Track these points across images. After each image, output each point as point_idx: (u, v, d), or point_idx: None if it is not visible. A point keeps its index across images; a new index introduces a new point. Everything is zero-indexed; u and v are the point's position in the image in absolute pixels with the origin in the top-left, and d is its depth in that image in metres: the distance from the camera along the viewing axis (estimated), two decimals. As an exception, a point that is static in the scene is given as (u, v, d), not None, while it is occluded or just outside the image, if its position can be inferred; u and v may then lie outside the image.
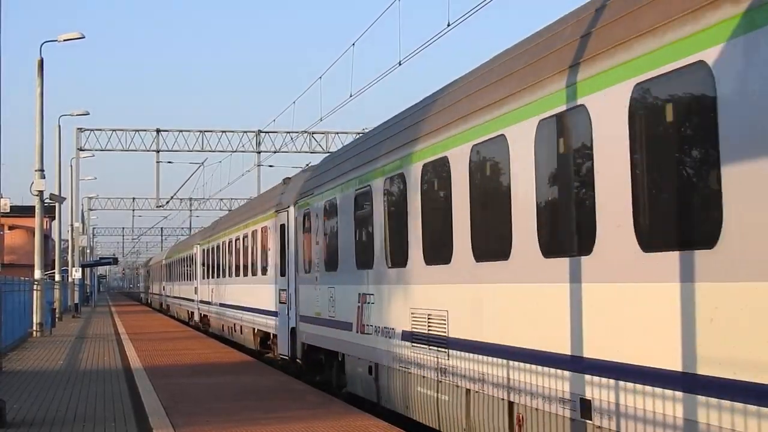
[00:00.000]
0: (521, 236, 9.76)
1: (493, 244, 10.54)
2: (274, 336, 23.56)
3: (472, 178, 10.99)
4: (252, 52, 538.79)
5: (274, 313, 22.79)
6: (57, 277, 56.55)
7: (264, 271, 24.60)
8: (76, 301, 60.69)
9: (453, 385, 11.53)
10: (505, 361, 10.10)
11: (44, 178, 37.92)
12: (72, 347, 29.51)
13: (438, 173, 12.10)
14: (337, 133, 57.43)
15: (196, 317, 42.98)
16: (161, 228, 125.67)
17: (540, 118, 9.38)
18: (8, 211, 39.88)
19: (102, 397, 16.34)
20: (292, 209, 20.57)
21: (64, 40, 40.69)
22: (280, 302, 21.92)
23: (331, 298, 17.10)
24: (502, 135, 10.11)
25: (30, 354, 27.00)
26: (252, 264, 26.92)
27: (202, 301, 40.67)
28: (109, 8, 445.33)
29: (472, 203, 11.01)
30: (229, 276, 31.70)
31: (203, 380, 18.92)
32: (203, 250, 40.11)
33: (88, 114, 54.13)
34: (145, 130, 56.39)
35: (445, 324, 11.66)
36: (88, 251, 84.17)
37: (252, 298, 26.60)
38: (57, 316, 45.61)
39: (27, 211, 59.34)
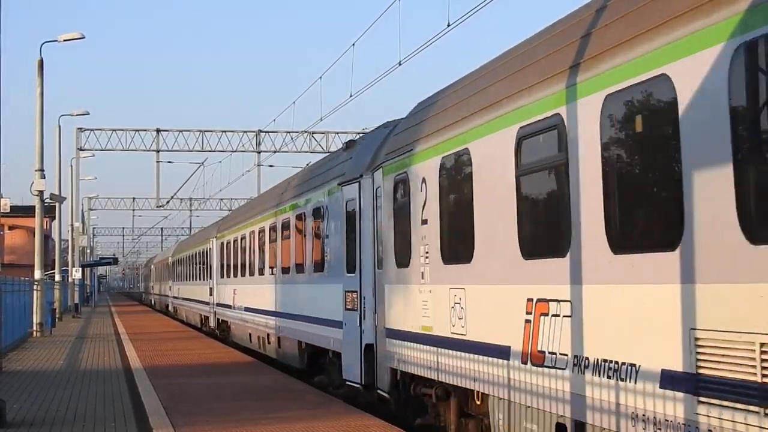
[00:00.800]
0: None
1: None
2: (335, 354, 16.80)
3: None
4: (252, 52, 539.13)
5: (337, 323, 16.11)
6: (57, 277, 53.95)
7: (318, 266, 17.96)
8: (76, 301, 57.88)
9: None
10: None
11: (44, 178, 36.02)
12: (72, 347, 28.10)
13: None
14: (337, 133, 53.71)
15: (212, 322, 35.53)
16: (161, 228, 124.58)
17: None
18: (8, 211, 39.38)
19: (102, 397, 15.65)
20: (367, 180, 14.62)
21: (64, 40, 38.71)
22: (346, 308, 15.53)
23: (457, 304, 10.79)
24: None
25: (30, 354, 25.73)
26: (298, 258, 20.07)
27: (219, 304, 33.48)
28: (109, 8, 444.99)
29: None
30: (261, 274, 24.53)
31: (203, 380, 18.03)
32: (221, 243, 33.00)
33: (88, 114, 51.36)
34: (145, 130, 53.33)
35: None
36: (88, 251, 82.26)
37: (298, 303, 19.80)
38: (57, 316, 43.47)
39: (27, 211, 58.21)
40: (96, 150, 54.36)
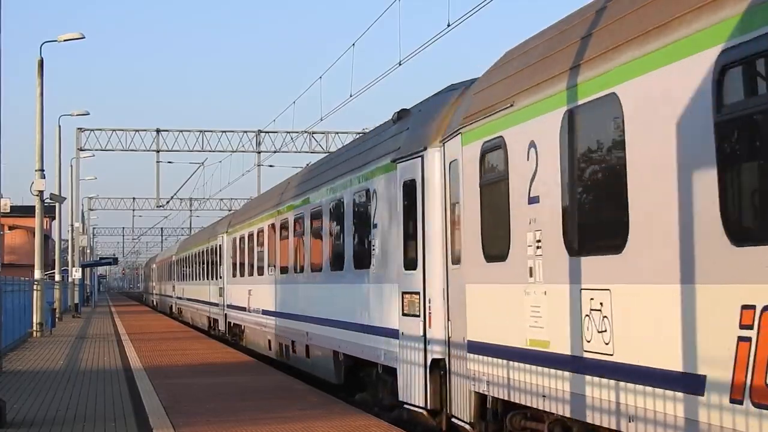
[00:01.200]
0: None
1: None
2: (385, 369, 13.76)
3: None
4: (252, 52, 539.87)
5: (391, 332, 13.11)
6: (57, 277, 52.96)
7: (362, 262, 14.76)
8: (76, 301, 56.82)
9: None
10: None
11: (44, 178, 35.35)
12: (72, 347, 27.57)
13: None
14: (337, 133, 52.62)
15: (222, 326, 32.04)
16: (161, 228, 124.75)
17: None
18: (8, 211, 39.49)
19: (102, 397, 15.48)
20: (435, 152, 11.60)
21: (64, 40, 38.03)
22: (404, 314, 12.51)
23: (595, 312, 7.70)
24: None
25: (30, 354, 25.28)
26: (333, 252, 16.67)
27: (231, 306, 30.29)
28: (109, 8, 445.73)
29: None
30: (283, 272, 21.09)
31: (203, 380, 17.68)
32: (234, 239, 29.53)
33: (88, 114, 50.31)
34: (145, 130, 52.54)
35: None
36: (88, 251, 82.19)
37: (334, 306, 16.58)
38: (57, 316, 42.32)
39: (27, 211, 57.63)
40: (96, 150, 53.89)
